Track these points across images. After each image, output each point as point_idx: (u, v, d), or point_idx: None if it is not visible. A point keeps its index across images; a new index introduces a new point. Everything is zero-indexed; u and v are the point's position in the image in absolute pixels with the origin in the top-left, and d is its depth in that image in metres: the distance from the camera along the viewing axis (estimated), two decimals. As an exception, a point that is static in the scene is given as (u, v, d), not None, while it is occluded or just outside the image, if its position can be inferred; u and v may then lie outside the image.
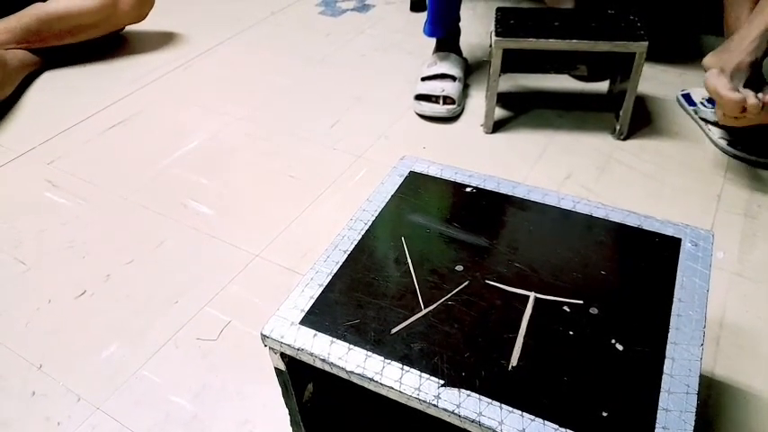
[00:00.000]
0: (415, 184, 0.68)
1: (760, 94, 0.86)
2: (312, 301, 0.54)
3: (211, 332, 0.77)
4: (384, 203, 0.65)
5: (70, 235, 0.93)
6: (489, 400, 0.45)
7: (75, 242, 0.92)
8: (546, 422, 0.43)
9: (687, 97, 1.16)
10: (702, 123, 1.09)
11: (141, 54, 1.44)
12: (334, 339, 0.51)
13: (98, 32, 1.39)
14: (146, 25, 1.50)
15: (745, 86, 0.93)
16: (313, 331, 0.51)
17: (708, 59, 0.96)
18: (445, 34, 1.24)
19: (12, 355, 0.75)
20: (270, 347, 0.53)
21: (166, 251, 0.90)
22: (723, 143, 1.04)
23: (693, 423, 0.43)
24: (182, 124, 1.19)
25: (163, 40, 1.49)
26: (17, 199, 1.00)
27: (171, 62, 1.40)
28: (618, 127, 1.08)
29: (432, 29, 1.22)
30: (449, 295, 0.54)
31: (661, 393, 0.45)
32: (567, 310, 0.52)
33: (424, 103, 1.16)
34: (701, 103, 1.12)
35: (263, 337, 0.52)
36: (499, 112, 1.16)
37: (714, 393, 0.67)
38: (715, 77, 0.91)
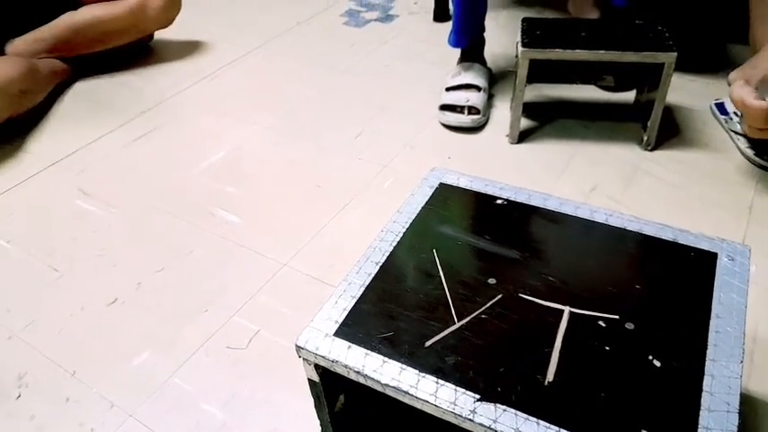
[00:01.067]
0: (445, 196, 0.68)
1: None
2: (345, 312, 0.54)
3: (241, 341, 0.78)
4: (415, 215, 0.65)
5: (101, 243, 0.95)
6: (526, 416, 0.45)
7: (106, 250, 0.93)
8: (584, 439, 0.43)
9: (720, 107, 1.14)
10: (732, 134, 1.08)
11: (168, 64, 1.46)
12: (369, 351, 0.51)
13: (127, 38, 1.41)
14: (172, 35, 1.52)
15: None
16: (347, 343, 0.52)
17: (733, 74, 0.97)
18: (470, 44, 1.24)
19: (46, 362, 0.76)
20: (304, 359, 0.53)
21: (195, 260, 0.91)
22: (750, 153, 1.03)
23: (735, 442, 0.42)
24: (208, 134, 1.21)
25: (189, 50, 1.52)
26: (49, 207, 1.03)
27: (198, 72, 1.42)
28: (645, 137, 1.07)
29: (456, 39, 1.23)
30: (482, 308, 0.54)
31: (701, 411, 0.44)
32: (603, 324, 0.51)
33: (448, 114, 1.16)
34: (735, 112, 1.10)
35: (298, 348, 0.52)
36: (524, 123, 1.16)
37: (749, 409, 0.66)
38: (740, 88, 0.91)
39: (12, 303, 0.85)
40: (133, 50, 1.46)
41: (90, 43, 1.37)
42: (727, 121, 1.10)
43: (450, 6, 1.24)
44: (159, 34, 1.52)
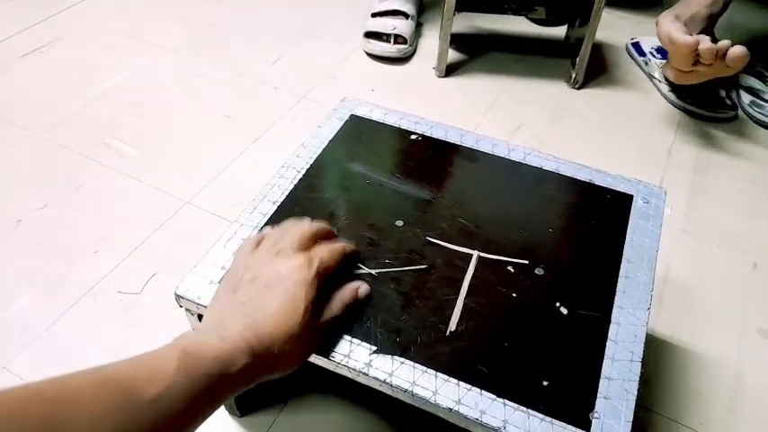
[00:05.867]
0: (356, 129, 0.62)
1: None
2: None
3: (134, 285, 0.71)
4: (321, 149, 0.59)
5: (-26, 175, 0.83)
6: (424, 368, 0.42)
7: (-21, 183, 0.82)
8: (483, 392, 0.40)
9: (637, 46, 1.12)
10: (653, 75, 1.06)
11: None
12: (258, 300, 0.46)
13: None
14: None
15: None
16: (234, 291, 0.46)
17: (662, 14, 0.91)
18: None
19: None
20: (186, 309, 0.47)
21: (85, 195, 0.81)
22: (673, 96, 1.02)
23: (636, 392, 0.40)
24: (107, 55, 1.07)
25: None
26: None
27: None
28: (573, 75, 1.04)
29: None
30: (386, 253, 0.49)
31: (604, 361, 0.42)
32: (512, 270, 0.48)
33: (373, 42, 1.08)
34: (651, 53, 1.08)
35: (178, 297, 0.47)
36: (453, 55, 1.10)
37: (655, 350, 0.66)
38: (668, 23, 0.86)
39: None
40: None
41: None
42: (646, 63, 1.08)
43: None
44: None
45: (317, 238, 0.45)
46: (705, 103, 0.99)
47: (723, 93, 1.00)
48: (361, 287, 0.45)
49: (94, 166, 0.86)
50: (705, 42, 0.80)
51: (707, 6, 0.89)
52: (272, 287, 0.40)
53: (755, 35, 1.20)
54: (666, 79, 1.02)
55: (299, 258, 0.42)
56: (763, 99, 0.99)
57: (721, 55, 0.80)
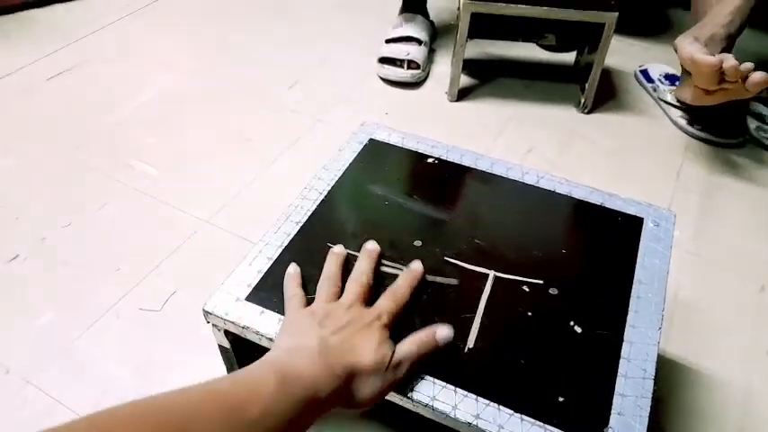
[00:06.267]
0: (374, 153, 0.64)
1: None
2: (260, 275, 0.51)
3: (155, 302, 0.73)
4: (341, 172, 0.61)
5: (3, 192, 0.86)
6: (443, 384, 0.43)
7: (7, 201, 0.85)
8: (501, 407, 0.42)
9: (645, 73, 1.15)
10: (661, 102, 1.09)
11: (86, -1, 1.34)
12: (283, 317, 0.47)
13: None
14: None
15: None
16: (260, 308, 0.48)
17: (679, 37, 0.92)
18: None
19: (-67, 324, 0.69)
20: (213, 324, 0.49)
21: (109, 214, 0.84)
22: (683, 122, 1.04)
23: (649, 408, 0.42)
24: (130, 78, 1.11)
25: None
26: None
27: (120, 9, 1.30)
28: (583, 100, 1.06)
29: None
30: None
31: (618, 378, 0.44)
32: (527, 290, 0.50)
33: (387, 67, 1.11)
34: (659, 79, 1.11)
35: (206, 313, 0.48)
36: (465, 80, 1.13)
37: (666, 371, 0.68)
38: (689, 44, 0.85)
39: None
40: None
41: None
42: (655, 89, 1.10)
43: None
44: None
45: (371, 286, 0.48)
46: (714, 129, 1.01)
47: (732, 119, 1.02)
48: (440, 331, 0.45)
49: (118, 185, 0.88)
50: (729, 60, 0.80)
51: (724, 26, 0.89)
52: (361, 332, 0.42)
53: (761, 60, 1.22)
54: (680, 102, 1.03)
55: (372, 318, 0.44)
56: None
57: (743, 76, 0.80)
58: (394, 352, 0.42)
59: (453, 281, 0.50)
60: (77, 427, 0.30)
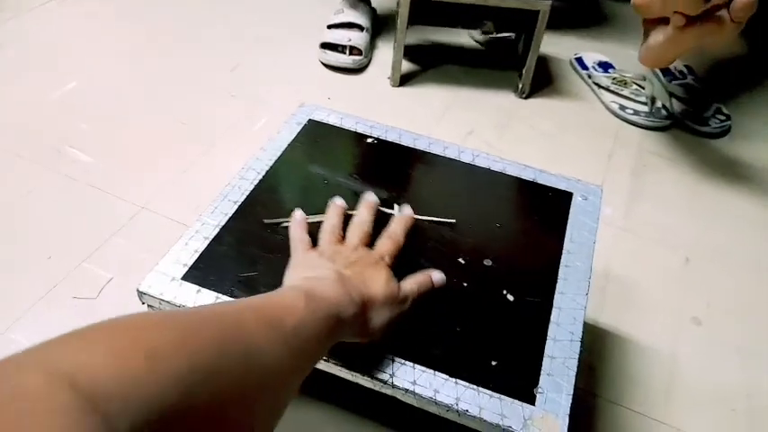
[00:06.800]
0: (314, 133, 0.64)
1: None
2: (197, 254, 0.50)
3: (91, 290, 0.71)
4: (280, 152, 0.61)
5: None
6: (382, 354, 0.44)
7: (-75, 191, 0.80)
8: (437, 373, 0.43)
9: (580, 61, 1.19)
10: (595, 87, 1.13)
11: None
12: (220, 295, 0.47)
13: None
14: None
15: None
16: (196, 287, 0.48)
17: None
18: None
19: None
20: (148, 305, 0.48)
21: (37, 201, 0.80)
22: (615, 107, 1.08)
23: (576, 369, 0.44)
24: (59, 61, 1.06)
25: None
26: None
27: (46, -8, 1.24)
28: (520, 85, 1.09)
29: None
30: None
31: (547, 341, 0.46)
32: (462, 261, 0.51)
33: (329, 53, 1.11)
34: (593, 66, 1.15)
35: (141, 293, 0.48)
36: (407, 66, 1.14)
37: (598, 340, 0.71)
38: None
39: None
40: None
41: None
42: (590, 75, 1.15)
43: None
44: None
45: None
46: (644, 113, 1.06)
47: (659, 103, 1.08)
48: (435, 274, 0.49)
49: (46, 172, 0.85)
50: None
51: None
52: (369, 269, 0.46)
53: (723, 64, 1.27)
54: (608, 88, 1.08)
55: (377, 258, 0.47)
56: (689, 106, 1.07)
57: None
58: (400, 288, 0.45)
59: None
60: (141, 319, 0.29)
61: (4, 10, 1.17)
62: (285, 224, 0.53)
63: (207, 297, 0.47)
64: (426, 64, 1.16)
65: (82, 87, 1.01)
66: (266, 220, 0.53)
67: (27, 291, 0.70)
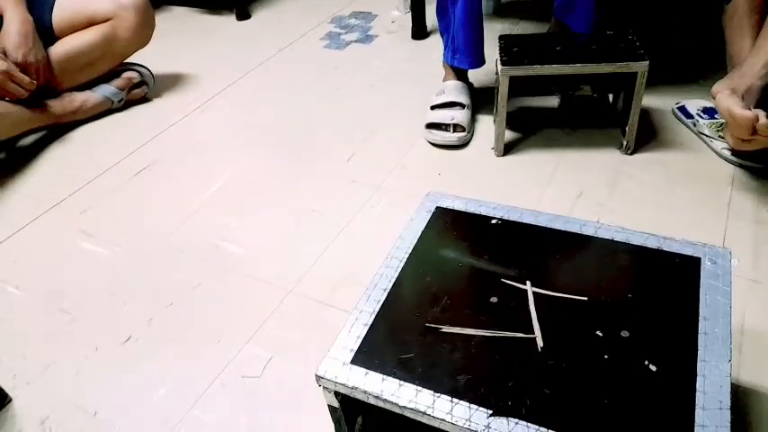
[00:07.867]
0: (442, 220, 0.72)
1: None
2: (359, 340, 0.58)
3: (255, 369, 0.81)
4: (415, 240, 0.69)
5: (110, 282, 0.97)
6: (536, 427, 0.49)
7: (115, 289, 0.96)
8: (592, 444, 0.47)
9: (683, 110, 1.19)
10: (703, 135, 1.13)
11: (156, 100, 1.49)
12: (385, 376, 0.54)
13: (108, 64, 1.41)
14: (157, 69, 1.54)
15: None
16: (364, 370, 0.55)
17: (717, 85, 0.97)
18: (481, 63, 1.25)
19: (67, 404, 0.79)
20: (324, 387, 0.56)
21: (203, 292, 0.94)
22: (727, 153, 1.08)
23: (729, 437, 0.46)
24: (203, 167, 1.23)
25: (174, 85, 1.54)
26: (55, 251, 1.05)
27: (186, 106, 1.44)
28: (625, 142, 1.12)
29: (467, 59, 1.23)
30: (487, 328, 0.57)
31: (696, 410, 0.48)
32: (600, 334, 0.55)
33: (435, 132, 1.20)
34: (698, 114, 1.15)
35: (318, 377, 0.56)
36: (508, 134, 1.20)
37: (742, 399, 0.70)
38: (727, 98, 0.93)
39: (26, 349, 0.87)
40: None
41: (74, 75, 1.38)
42: (695, 124, 1.15)
43: (432, 24, 1.27)
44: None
45: None
46: (760, 157, 1.04)
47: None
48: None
49: (207, 265, 0.98)
50: (763, 118, 0.89)
51: (761, 78, 0.95)
52: None
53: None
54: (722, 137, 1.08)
55: None
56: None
57: None
58: None
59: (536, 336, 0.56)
60: None
61: (154, 127, 1.38)
62: (444, 330, 0.58)
63: (374, 378, 0.54)
64: (527, 130, 1.22)
65: (226, 186, 1.17)
66: (428, 324, 0.58)
67: (203, 372, 0.81)
